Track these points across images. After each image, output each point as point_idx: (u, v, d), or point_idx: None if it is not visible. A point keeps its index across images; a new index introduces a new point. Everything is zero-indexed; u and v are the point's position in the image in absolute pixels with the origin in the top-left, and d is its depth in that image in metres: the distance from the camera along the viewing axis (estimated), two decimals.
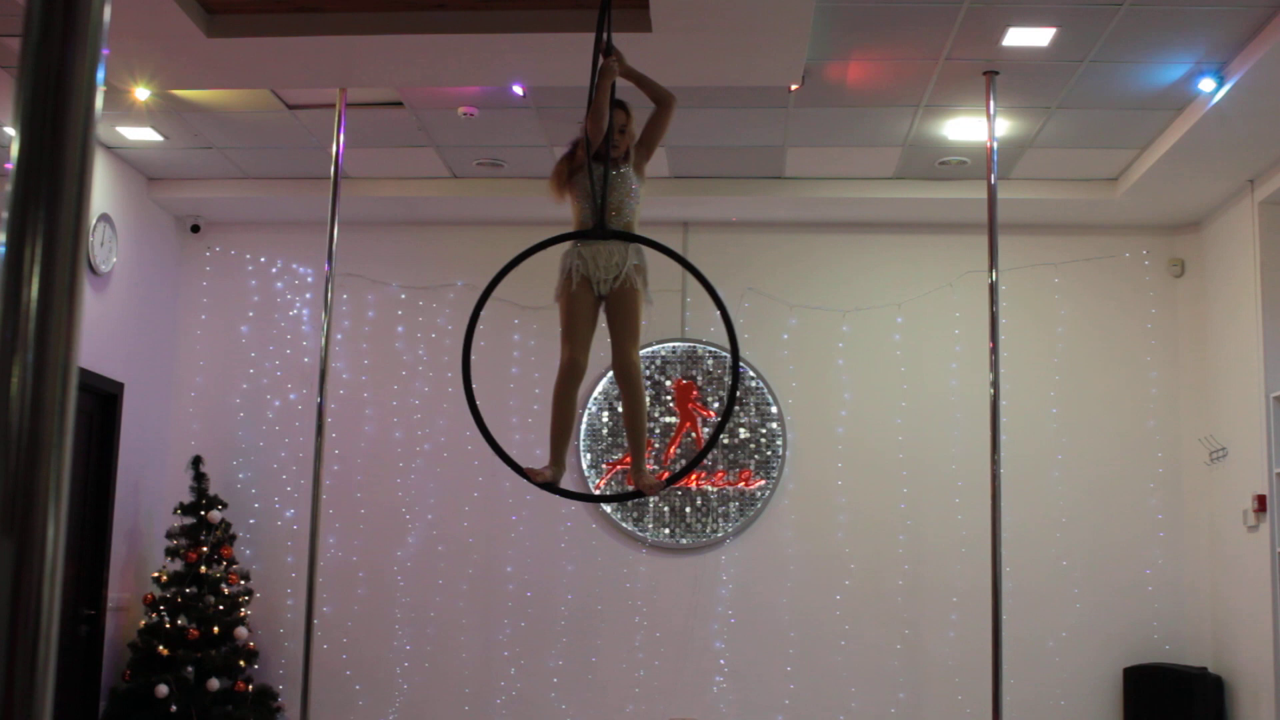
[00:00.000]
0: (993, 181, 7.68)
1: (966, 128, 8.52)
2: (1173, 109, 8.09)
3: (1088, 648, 9.64)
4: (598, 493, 9.80)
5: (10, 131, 1.26)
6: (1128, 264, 10.01)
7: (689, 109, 8.29)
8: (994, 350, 7.58)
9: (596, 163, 5.36)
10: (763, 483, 9.93)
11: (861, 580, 9.82)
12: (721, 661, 9.82)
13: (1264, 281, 8.77)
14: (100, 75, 1.26)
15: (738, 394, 5.25)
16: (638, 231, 5.35)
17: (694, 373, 10.03)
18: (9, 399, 1.15)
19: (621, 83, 5.44)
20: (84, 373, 8.94)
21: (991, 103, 7.65)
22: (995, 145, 7.70)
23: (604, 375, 9.67)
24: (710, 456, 9.91)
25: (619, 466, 9.85)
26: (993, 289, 7.62)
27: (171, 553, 9.59)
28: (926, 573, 9.80)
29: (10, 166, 1.25)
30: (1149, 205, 9.47)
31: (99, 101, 1.27)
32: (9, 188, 1.23)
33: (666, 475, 5.53)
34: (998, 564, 7.34)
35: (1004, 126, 8.31)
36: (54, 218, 1.20)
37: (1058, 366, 9.94)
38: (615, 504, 9.89)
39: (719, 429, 5.37)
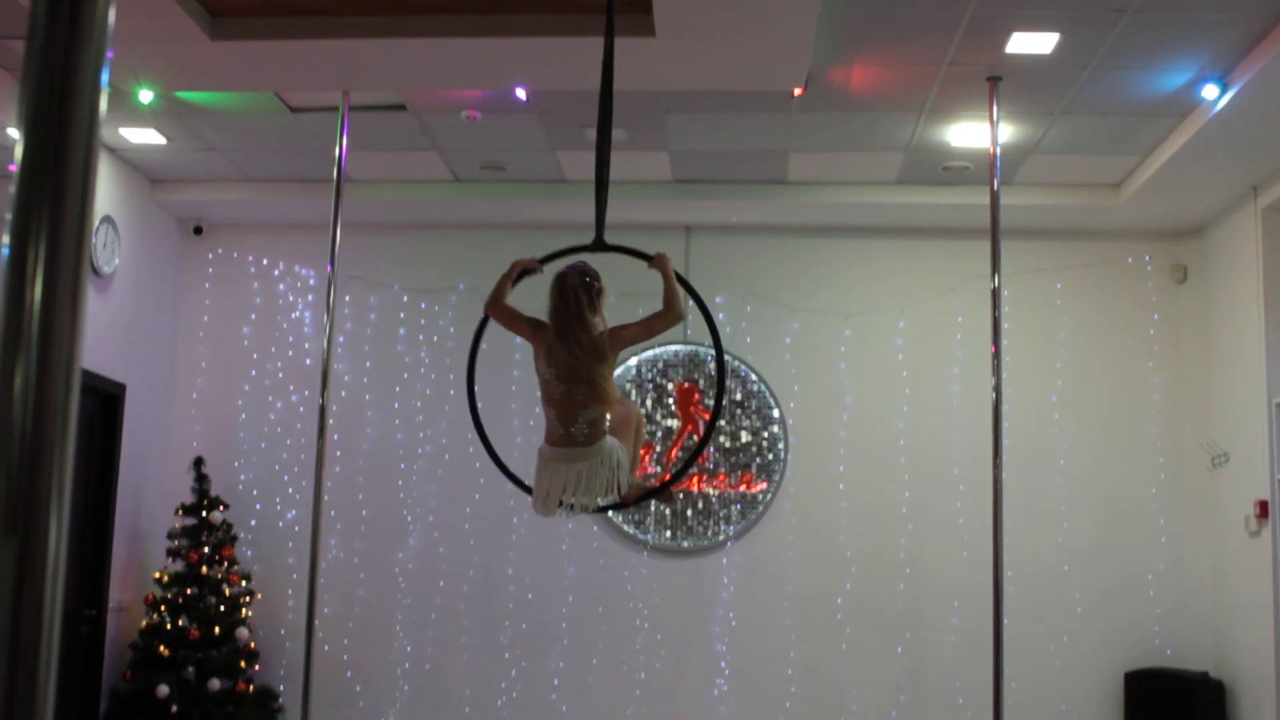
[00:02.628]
0: (995, 187, 7.68)
1: (969, 133, 8.52)
2: (1176, 115, 8.09)
3: (1089, 652, 9.63)
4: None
5: (14, 134, 1.26)
6: (1131, 270, 10.01)
7: (692, 114, 8.30)
8: (996, 355, 7.58)
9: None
10: (764, 486, 9.93)
11: (862, 583, 9.82)
12: (722, 664, 9.82)
13: (1267, 288, 8.77)
14: (104, 78, 1.27)
15: (724, 398, 5.20)
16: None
17: (696, 376, 10.03)
18: (12, 400, 1.16)
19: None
20: (86, 374, 8.95)
21: (995, 108, 7.64)
22: (998, 151, 7.70)
23: None
24: (712, 460, 9.92)
25: None
26: (995, 294, 7.62)
27: (173, 553, 9.60)
28: (927, 576, 9.80)
29: (14, 168, 1.25)
30: (1152, 211, 9.47)
31: (103, 104, 1.28)
32: (13, 190, 1.24)
33: (648, 487, 5.49)
34: (999, 568, 7.34)
35: (1007, 132, 8.31)
36: (57, 219, 1.21)
37: (1060, 372, 9.94)
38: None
39: (705, 437, 5.38)
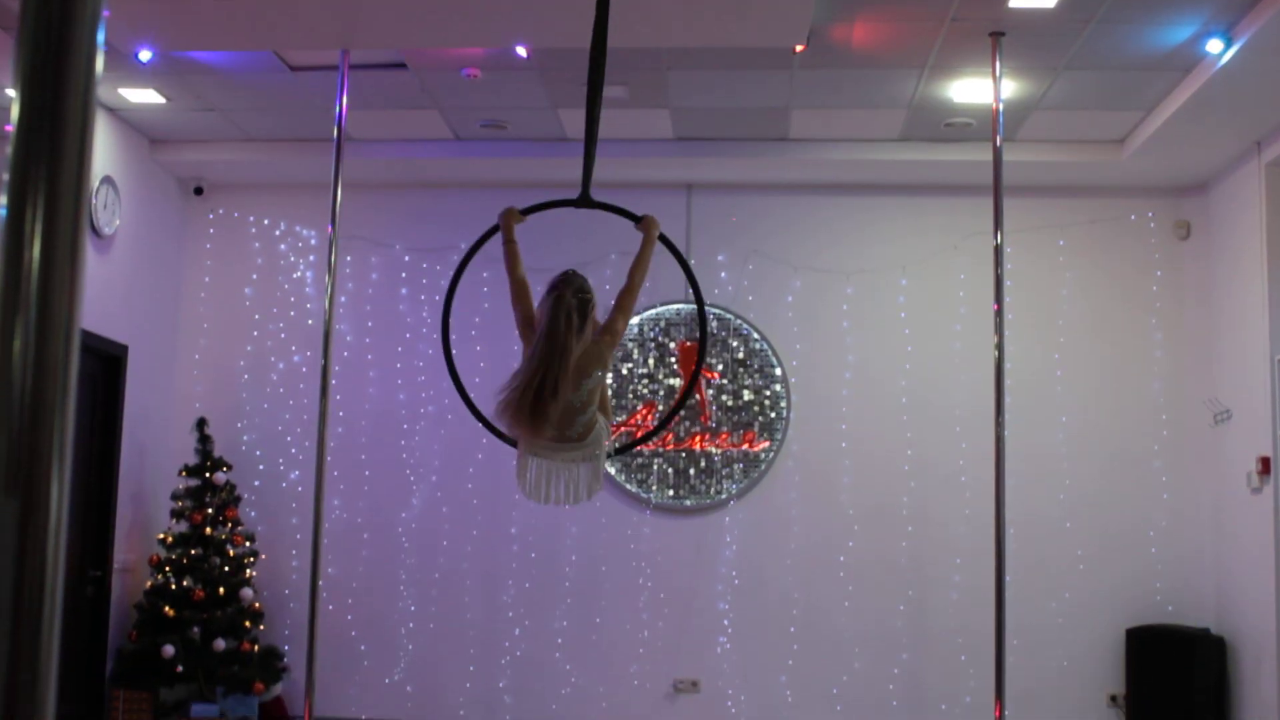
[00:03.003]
0: (998, 144, 7.65)
1: (972, 89, 8.48)
2: (1180, 70, 8.05)
3: (1091, 609, 9.67)
4: None
5: (11, 93, 1.25)
6: (1133, 226, 9.98)
7: (693, 71, 8.26)
8: (999, 313, 7.57)
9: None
10: (766, 444, 9.94)
11: (865, 542, 9.84)
12: (725, 622, 9.85)
13: (1270, 244, 8.74)
14: (101, 36, 1.26)
15: (707, 354, 5.17)
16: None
17: (698, 334, 10.02)
18: (12, 360, 1.15)
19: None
20: (88, 335, 8.95)
21: (997, 64, 7.60)
22: (1001, 107, 7.66)
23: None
24: (714, 418, 9.92)
25: (621, 430, 9.86)
26: (998, 251, 7.61)
27: (177, 514, 9.63)
28: (930, 534, 9.82)
29: (10, 129, 1.24)
30: (1155, 167, 9.44)
31: (100, 63, 1.26)
32: (10, 150, 1.23)
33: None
34: (1001, 526, 7.35)
35: (1010, 88, 8.27)
36: (55, 178, 1.20)
37: (1062, 329, 9.93)
38: (619, 465, 9.91)
39: (686, 390, 5.35)
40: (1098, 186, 9.92)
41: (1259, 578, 8.73)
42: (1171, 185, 9.85)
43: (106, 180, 9.20)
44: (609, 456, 5.30)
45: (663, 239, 5.45)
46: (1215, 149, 9.04)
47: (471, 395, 5.75)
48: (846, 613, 9.80)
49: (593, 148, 5.46)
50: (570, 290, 4.99)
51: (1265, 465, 8.67)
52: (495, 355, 9.87)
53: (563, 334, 4.88)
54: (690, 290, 5.73)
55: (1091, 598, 9.68)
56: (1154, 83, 8.28)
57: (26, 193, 1.20)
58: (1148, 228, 9.98)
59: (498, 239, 5.50)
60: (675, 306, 9.99)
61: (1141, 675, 9.32)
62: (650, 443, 9.77)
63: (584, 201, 5.44)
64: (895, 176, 9.90)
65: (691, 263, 9.98)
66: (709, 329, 10.01)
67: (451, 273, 5.83)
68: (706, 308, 9.93)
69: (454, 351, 5.77)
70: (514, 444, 5.19)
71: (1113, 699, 9.60)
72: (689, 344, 9.97)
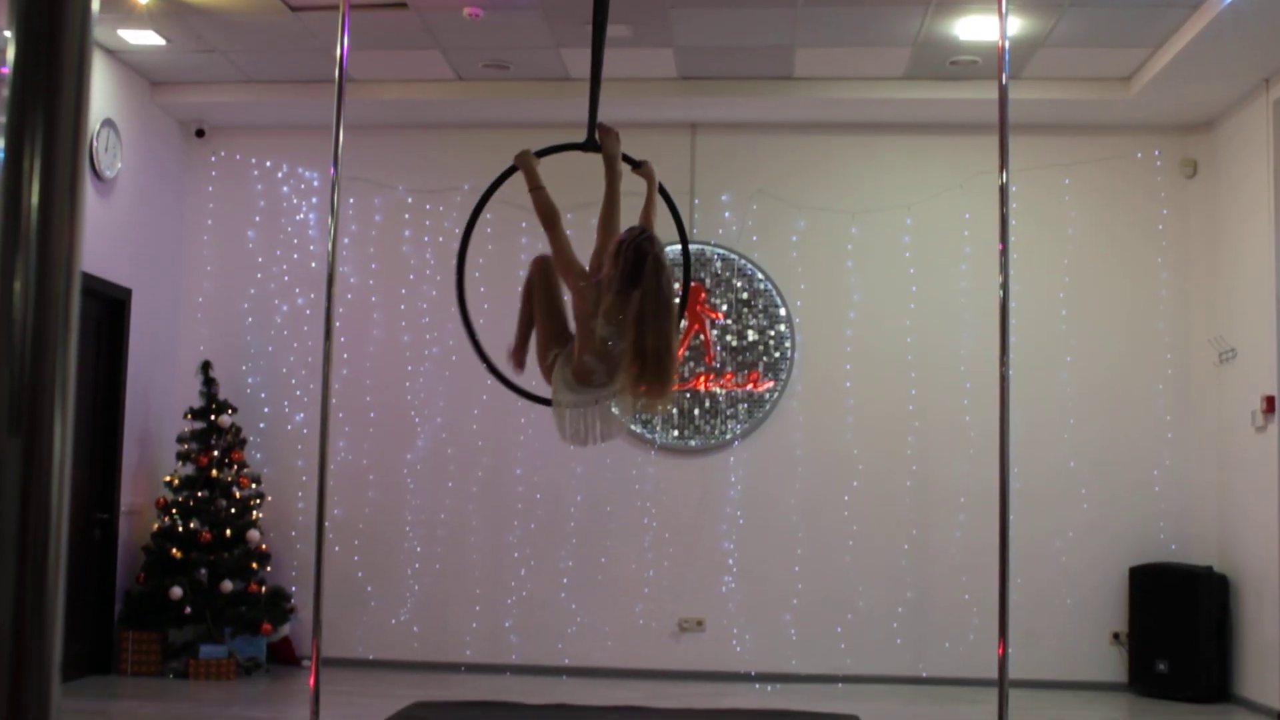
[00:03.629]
0: (1004, 81, 7.58)
1: (977, 26, 8.41)
2: (1187, 6, 7.98)
3: (1094, 547, 9.70)
4: None
5: (6, 33, 1.24)
6: (1139, 165, 9.94)
7: (697, 8, 8.19)
8: (1004, 252, 7.52)
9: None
10: (771, 384, 9.94)
11: (869, 481, 9.87)
12: (730, 561, 9.90)
13: (1277, 182, 8.70)
14: None
15: (685, 294, 5.13)
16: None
17: (702, 275, 10.01)
18: (12, 300, 1.15)
19: None
20: (92, 279, 8.94)
21: (1003, 0, 7.53)
22: (1007, 44, 7.58)
23: None
24: (719, 359, 9.93)
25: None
26: (1003, 190, 7.55)
27: (183, 457, 9.66)
28: (934, 473, 9.84)
29: (6, 70, 1.23)
30: (1162, 105, 9.38)
31: (96, 2, 1.25)
32: (6, 91, 1.22)
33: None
34: (1005, 464, 7.35)
35: (1016, 25, 8.21)
36: (52, 115, 1.19)
37: (1068, 268, 9.91)
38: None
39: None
40: (1104, 124, 9.86)
41: (1262, 516, 8.75)
42: (1178, 123, 9.79)
43: (107, 123, 9.16)
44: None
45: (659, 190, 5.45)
46: (1223, 86, 8.98)
47: (483, 344, 5.76)
48: (851, 551, 9.84)
49: (597, 90, 5.44)
50: (658, 249, 4.99)
51: (1269, 404, 8.67)
52: (499, 299, 9.86)
53: (667, 294, 4.93)
54: (687, 230, 5.69)
55: (1095, 536, 9.71)
56: (1161, 19, 8.21)
57: (24, 130, 1.19)
58: (1154, 166, 9.93)
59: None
60: (674, 247, 9.95)
61: (1144, 613, 9.36)
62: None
63: (591, 145, 5.43)
64: (900, 115, 9.85)
65: (695, 202, 9.98)
66: (695, 271, 9.99)
67: (458, 216, 5.79)
68: (711, 247, 9.95)
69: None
70: (530, 398, 5.30)
71: (1116, 636, 9.65)
72: (693, 284, 9.95)
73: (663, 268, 4.93)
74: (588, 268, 5.14)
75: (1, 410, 1.13)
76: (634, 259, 4.90)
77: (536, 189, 5.22)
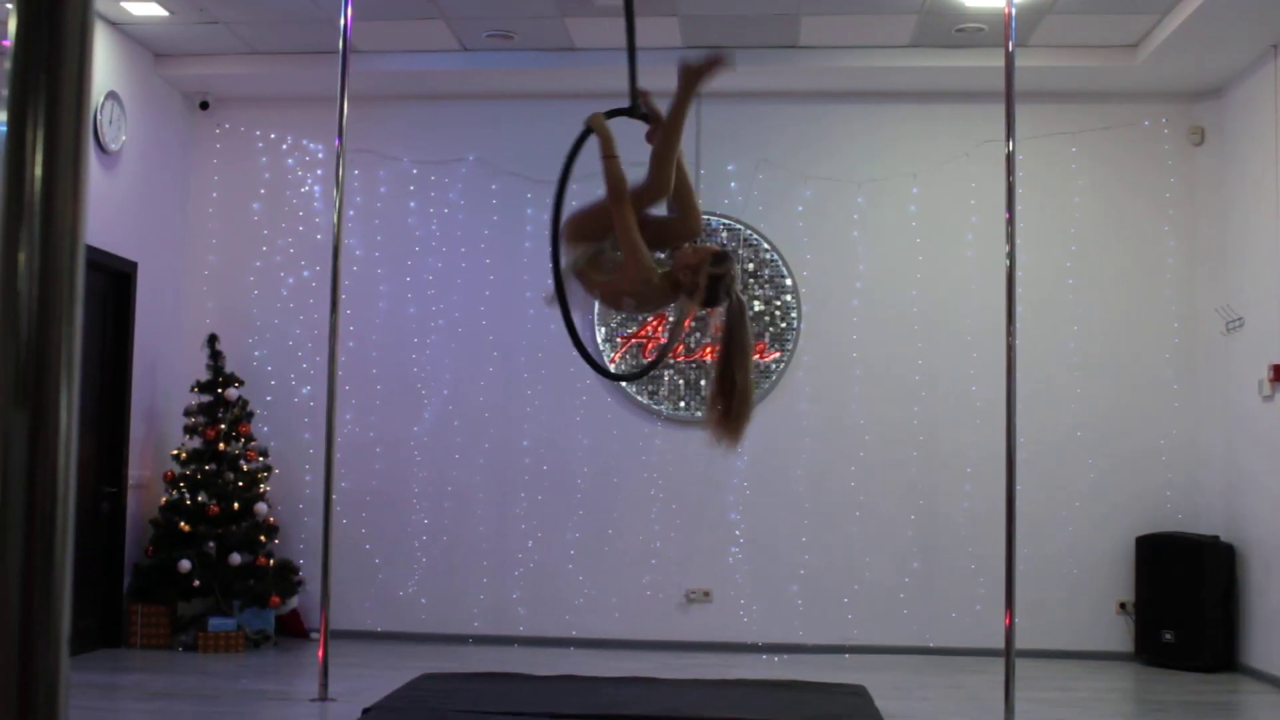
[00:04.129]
0: (1010, 49, 7.55)
1: None
2: None
3: (1101, 517, 9.70)
4: (612, 368, 9.81)
5: (8, 6, 1.23)
6: (1146, 132, 9.90)
7: None
8: (1010, 221, 7.52)
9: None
10: (778, 355, 9.94)
11: (876, 451, 9.87)
12: (737, 532, 9.91)
13: None
14: None
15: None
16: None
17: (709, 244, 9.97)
18: (18, 272, 1.14)
19: None
20: (97, 252, 8.94)
21: None
22: (1013, 11, 7.55)
23: None
24: None
25: (631, 341, 9.87)
26: (1009, 159, 7.54)
27: (190, 430, 9.67)
28: (941, 443, 9.84)
29: (8, 43, 1.23)
30: (1169, 72, 9.34)
31: None
32: (8, 63, 1.21)
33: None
34: (1012, 434, 7.35)
35: None
36: (55, 85, 1.18)
37: (1074, 237, 9.88)
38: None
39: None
40: (1111, 92, 9.82)
41: (1269, 485, 8.74)
42: (1186, 90, 9.75)
43: (111, 95, 9.14)
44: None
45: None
46: (1230, 53, 8.93)
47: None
48: (858, 522, 9.84)
49: (634, 59, 5.41)
50: (738, 287, 5.01)
51: (1276, 373, 8.65)
52: (501, 267, 9.88)
53: (749, 339, 5.02)
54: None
55: (1102, 506, 9.71)
56: None
57: (27, 103, 1.18)
58: (1161, 134, 9.89)
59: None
60: None
61: (1151, 583, 9.37)
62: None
63: (636, 110, 5.38)
64: (906, 83, 9.81)
65: (701, 173, 9.95)
66: (720, 240, 9.97)
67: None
68: (717, 218, 9.93)
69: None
70: (611, 376, 5.33)
71: (1122, 606, 9.66)
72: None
73: (744, 311, 4.98)
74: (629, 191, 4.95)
75: (7, 382, 1.13)
76: (712, 287, 4.89)
77: (610, 157, 4.97)
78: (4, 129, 1.19)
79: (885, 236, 10.00)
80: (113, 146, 9.18)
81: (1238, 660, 9.14)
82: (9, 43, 1.23)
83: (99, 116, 9.00)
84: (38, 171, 1.16)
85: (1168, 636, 9.21)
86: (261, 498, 9.67)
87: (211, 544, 9.41)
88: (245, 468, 9.67)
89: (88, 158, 1.21)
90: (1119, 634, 9.66)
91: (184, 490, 9.49)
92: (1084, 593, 9.69)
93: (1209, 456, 9.64)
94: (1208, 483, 9.62)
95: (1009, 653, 7.07)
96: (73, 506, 1.16)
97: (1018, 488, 7.39)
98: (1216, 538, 9.26)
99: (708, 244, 5.23)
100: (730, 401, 4.94)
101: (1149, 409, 9.75)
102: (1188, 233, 9.83)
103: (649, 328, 9.93)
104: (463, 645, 9.83)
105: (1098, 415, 9.76)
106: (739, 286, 5.00)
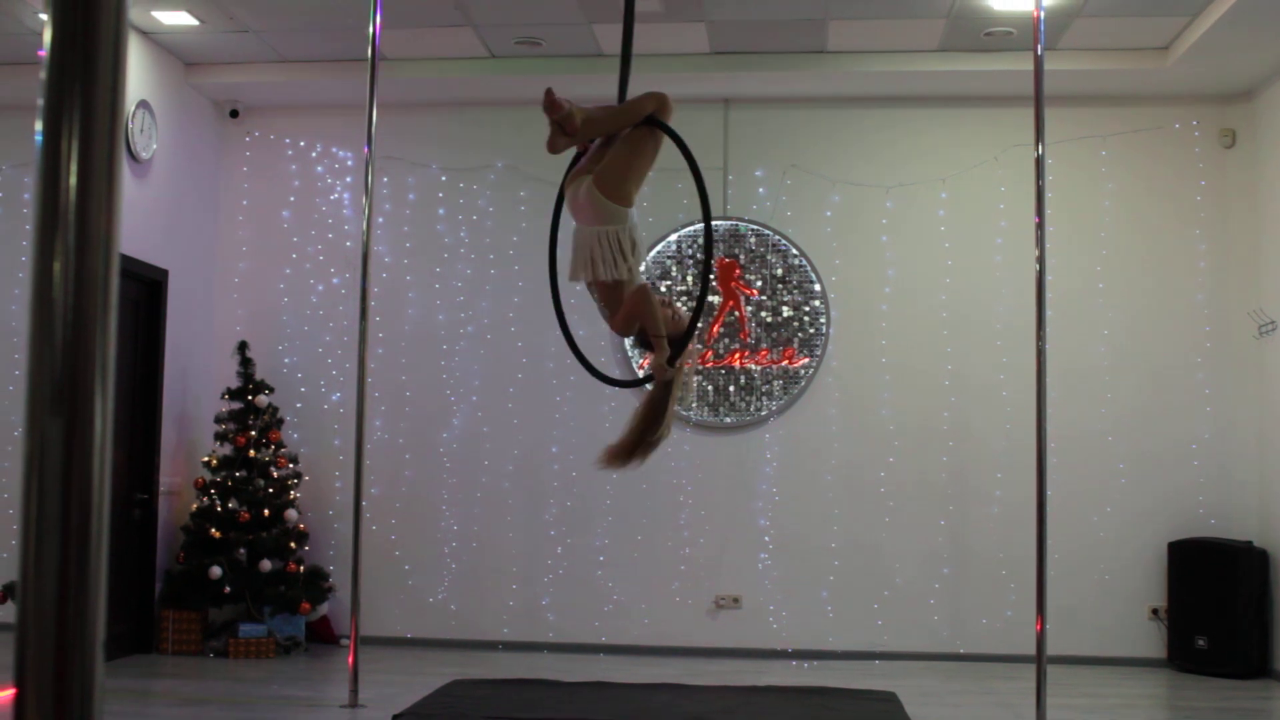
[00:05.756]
0: (1039, 52, 7.52)
1: None
2: None
3: (1133, 522, 9.65)
4: (641, 374, 9.81)
5: (43, 16, 1.24)
6: (1177, 135, 9.84)
7: None
8: (1040, 225, 7.49)
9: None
10: (806, 360, 9.92)
11: (905, 457, 9.84)
12: (766, 539, 9.89)
13: None
14: None
15: (708, 266, 5.12)
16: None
17: (736, 251, 9.98)
18: (53, 281, 1.15)
19: None
20: (129, 260, 8.99)
21: None
22: (1042, 15, 7.52)
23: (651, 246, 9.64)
24: (754, 335, 9.91)
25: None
26: (1039, 163, 7.51)
27: (220, 437, 9.72)
28: (970, 447, 9.80)
29: (43, 54, 1.23)
30: (1200, 75, 9.28)
31: None
32: (43, 73, 1.22)
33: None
34: (1042, 439, 7.32)
35: None
36: (90, 97, 1.19)
37: (1104, 241, 9.84)
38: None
39: (698, 308, 5.32)
40: (1141, 95, 9.77)
41: None
42: (1216, 93, 9.69)
43: (142, 104, 9.19)
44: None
45: (687, 156, 5.31)
46: (1261, 55, 8.87)
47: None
48: (887, 528, 9.82)
49: (626, 69, 5.45)
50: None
51: None
52: (531, 273, 9.88)
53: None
54: (720, 206, 5.65)
55: (1133, 512, 9.66)
56: None
57: (62, 113, 1.19)
58: (1192, 136, 9.84)
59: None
60: (714, 222, 9.93)
61: (1183, 588, 9.31)
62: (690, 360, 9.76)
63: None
64: (934, 88, 9.79)
65: (729, 178, 9.95)
66: (729, 247, 9.96)
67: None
68: (744, 223, 9.93)
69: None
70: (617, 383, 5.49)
71: (1154, 612, 9.60)
72: (727, 260, 9.94)
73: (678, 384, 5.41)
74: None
75: (44, 390, 1.14)
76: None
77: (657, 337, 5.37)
78: (39, 139, 1.20)
79: (914, 241, 9.97)
80: (144, 155, 9.24)
81: (1272, 667, 9.08)
82: (44, 53, 1.24)
83: (130, 125, 9.06)
84: (72, 181, 1.16)
85: (1200, 642, 9.15)
86: (292, 504, 9.70)
87: (242, 550, 9.45)
88: (275, 474, 9.70)
89: (121, 168, 1.21)
90: (1151, 640, 9.60)
91: (215, 497, 9.53)
92: (1116, 598, 9.63)
93: (1242, 461, 9.57)
94: (1240, 488, 9.56)
95: (1040, 658, 7.03)
96: (107, 513, 1.17)
97: (1048, 492, 7.35)
98: (1250, 543, 9.20)
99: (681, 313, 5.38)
100: (632, 454, 5.29)
101: (1180, 413, 9.70)
102: (1219, 236, 9.77)
103: None
104: (492, 651, 9.85)
105: (1129, 419, 9.71)
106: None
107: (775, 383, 9.93)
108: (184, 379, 9.92)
